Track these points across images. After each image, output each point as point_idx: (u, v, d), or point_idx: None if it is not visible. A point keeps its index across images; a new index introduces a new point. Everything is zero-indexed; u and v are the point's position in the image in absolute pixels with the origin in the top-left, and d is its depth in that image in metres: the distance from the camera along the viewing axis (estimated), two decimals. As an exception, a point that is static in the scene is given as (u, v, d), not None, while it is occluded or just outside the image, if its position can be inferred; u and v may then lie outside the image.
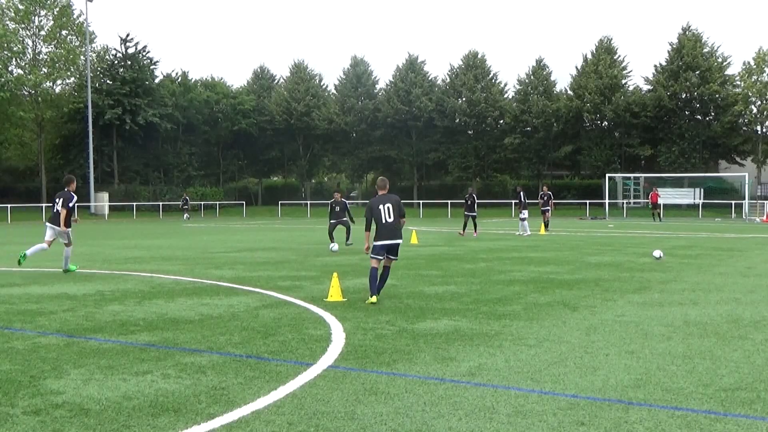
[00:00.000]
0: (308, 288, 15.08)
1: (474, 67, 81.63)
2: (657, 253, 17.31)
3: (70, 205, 18.29)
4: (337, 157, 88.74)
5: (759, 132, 72.87)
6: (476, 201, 35.67)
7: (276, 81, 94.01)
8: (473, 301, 13.28)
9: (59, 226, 18.17)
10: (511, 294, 14.22)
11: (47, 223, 18.48)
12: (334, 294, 13.30)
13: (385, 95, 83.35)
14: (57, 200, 18.38)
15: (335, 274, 13.81)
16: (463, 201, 38.94)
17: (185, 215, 64.56)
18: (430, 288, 15.12)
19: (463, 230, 35.47)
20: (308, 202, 79.93)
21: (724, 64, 74.17)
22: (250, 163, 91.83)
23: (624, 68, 77.90)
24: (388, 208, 13.01)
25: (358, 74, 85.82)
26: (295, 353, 8.84)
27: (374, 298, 12.84)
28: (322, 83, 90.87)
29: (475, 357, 8.66)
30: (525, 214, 35.62)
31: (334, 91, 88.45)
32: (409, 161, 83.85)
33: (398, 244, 13.14)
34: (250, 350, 9.01)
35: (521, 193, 37.08)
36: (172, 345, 9.35)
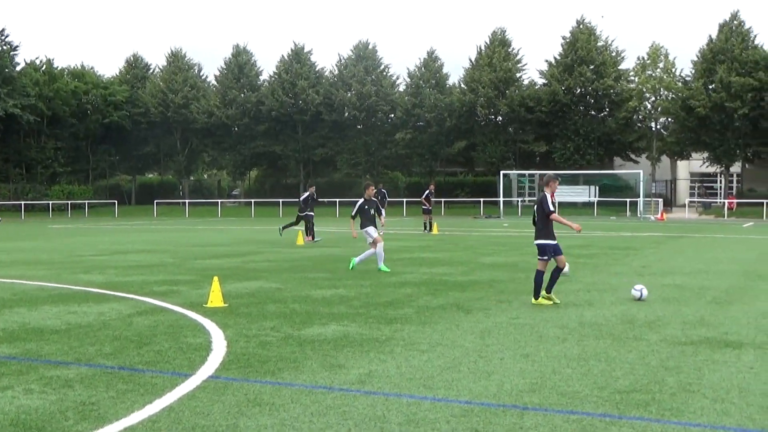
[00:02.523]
0: (186, 293, 14.85)
1: (364, 59, 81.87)
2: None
3: None
4: (218, 152, 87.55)
5: (653, 128, 75.42)
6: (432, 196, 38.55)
7: (151, 70, 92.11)
8: (363, 304, 13.32)
9: None
10: (403, 297, 14.32)
11: None
12: (215, 299, 13.15)
13: (270, 87, 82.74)
14: None
15: (216, 278, 13.65)
16: (422, 197, 39.73)
17: None
18: (317, 291, 15.10)
19: (427, 228, 37.54)
20: (186, 201, 78.70)
21: (619, 58, 76.50)
22: (122, 158, 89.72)
23: (518, 61, 79.37)
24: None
25: (240, 64, 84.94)
26: (172, 363, 8.70)
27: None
28: (201, 73, 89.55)
29: (365, 364, 8.69)
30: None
31: (215, 82, 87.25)
32: (295, 157, 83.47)
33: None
34: (123, 361, 8.82)
35: (428, 191, 38.50)
36: (35, 357, 9.06)
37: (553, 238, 13.35)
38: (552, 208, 13.28)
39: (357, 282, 16.69)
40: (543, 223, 13.32)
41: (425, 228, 38.37)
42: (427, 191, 39.02)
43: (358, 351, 9.38)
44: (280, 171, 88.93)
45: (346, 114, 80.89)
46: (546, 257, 13.30)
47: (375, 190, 20.65)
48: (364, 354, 9.21)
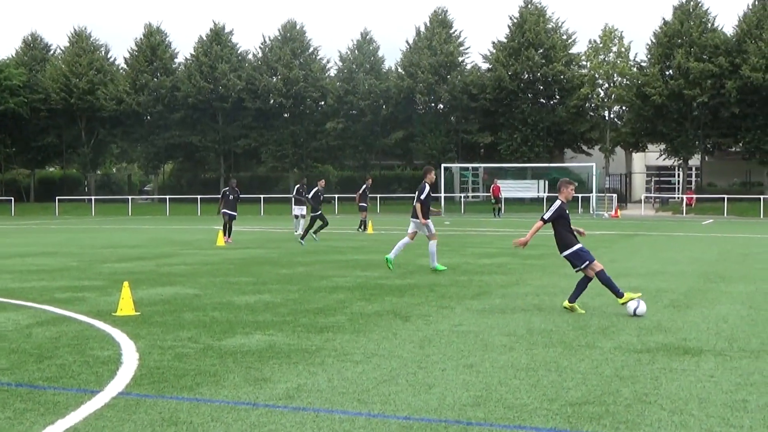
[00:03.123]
0: (93, 300, 14.66)
1: (291, 40, 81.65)
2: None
3: None
4: (128, 143, 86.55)
5: (606, 118, 76.47)
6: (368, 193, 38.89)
7: (52, 52, 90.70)
8: (290, 312, 13.29)
9: None
10: (335, 303, 14.32)
11: None
12: (125, 307, 13.00)
13: (186, 71, 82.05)
14: None
15: (126, 284, 13.49)
16: (357, 193, 39.82)
17: None
18: (240, 298, 15.02)
19: (362, 227, 37.75)
20: (92, 197, 77.66)
21: (569, 41, 77.40)
22: (19, 150, 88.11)
23: (461, 44, 79.86)
24: None
25: (152, 45, 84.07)
26: (77, 379, 8.57)
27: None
28: (109, 56, 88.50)
29: (293, 377, 8.67)
30: (301, 210, 35.73)
31: (124, 66, 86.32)
32: (214, 149, 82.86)
33: None
34: (21, 377, 8.67)
35: (365, 186, 38.73)
36: None
37: (572, 244, 13.55)
38: (548, 215, 13.46)
39: (284, 287, 16.64)
40: (555, 233, 13.65)
41: (360, 227, 38.41)
42: (364, 186, 39.09)
43: (285, 363, 9.35)
44: (197, 164, 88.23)
45: (272, 101, 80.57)
46: (578, 266, 13.44)
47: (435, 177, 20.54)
48: (292, 366, 9.19)
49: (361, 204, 38.98)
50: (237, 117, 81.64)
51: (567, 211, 13.63)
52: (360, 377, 8.65)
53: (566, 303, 13.34)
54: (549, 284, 17.10)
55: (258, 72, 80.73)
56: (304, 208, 35.72)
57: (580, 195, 65.97)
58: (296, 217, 35.74)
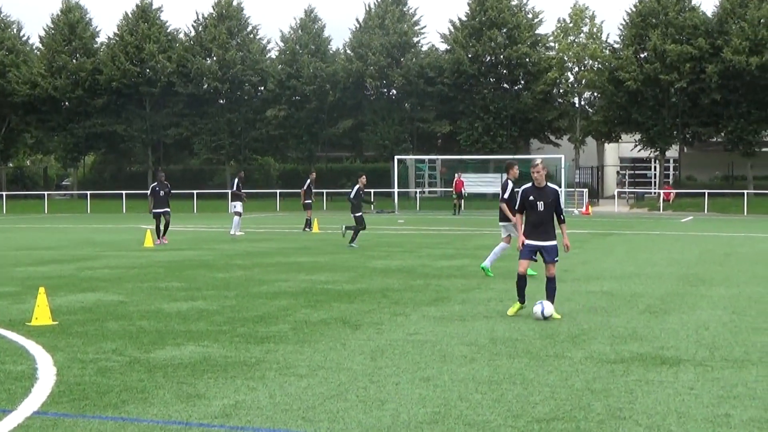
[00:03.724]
0: (4, 309, 14.52)
1: (228, 18, 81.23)
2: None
3: None
4: (44, 133, 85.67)
5: (576, 105, 76.91)
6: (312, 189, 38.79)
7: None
8: (227, 320, 13.25)
9: None
10: (276, 310, 14.29)
11: None
12: (41, 316, 12.88)
13: (109, 52, 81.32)
14: None
15: (42, 290, 13.36)
16: (302, 188, 39.66)
17: None
18: (170, 305, 14.94)
19: (307, 226, 37.72)
20: (3, 193, 76.72)
21: (536, 21, 77.61)
22: None
23: (416, 23, 79.90)
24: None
25: (71, 23, 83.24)
26: (-14, 397, 8.49)
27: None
28: (22, 34, 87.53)
29: (231, 393, 8.64)
30: (238, 207, 35.64)
31: (39, 45, 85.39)
32: (141, 139, 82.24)
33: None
34: (-77, 395, 8.57)
35: (309, 181, 38.60)
36: None
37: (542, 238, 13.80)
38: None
39: (219, 293, 16.58)
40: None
41: (306, 226, 38.33)
42: (308, 181, 38.95)
43: (221, 377, 9.32)
44: (122, 156, 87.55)
45: (206, 86, 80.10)
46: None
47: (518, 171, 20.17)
48: (229, 381, 9.16)
49: (305, 201, 38.82)
50: (167, 103, 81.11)
51: (531, 198, 13.76)
52: (305, 393, 8.64)
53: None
54: (514, 288, 17.14)
55: (190, 53, 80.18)
56: (241, 203, 35.59)
57: (547, 190, 66.45)
58: (234, 214, 35.59)
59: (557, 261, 13.71)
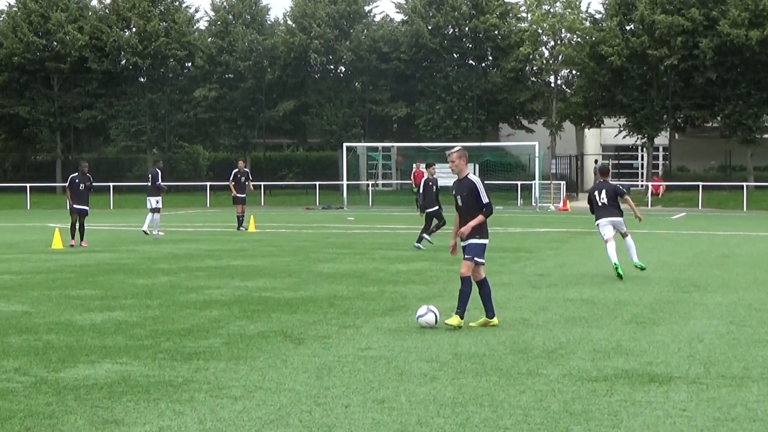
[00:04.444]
0: None
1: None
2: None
3: None
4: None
5: (552, 85, 77.19)
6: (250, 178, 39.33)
7: None
8: (150, 334, 13.19)
9: None
10: (207, 322, 14.25)
11: None
12: (-69, 330, 12.77)
13: (9, 22, 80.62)
14: None
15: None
16: (229, 180, 39.49)
17: None
18: (83, 316, 14.85)
19: (241, 224, 37.61)
20: None
21: (506, -13, 78.10)
22: None
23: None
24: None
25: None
26: None
27: None
28: None
29: (154, 418, 8.62)
30: (156, 202, 35.13)
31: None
32: (48, 123, 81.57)
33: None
34: None
35: (235, 171, 38.45)
36: None
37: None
38: (486, 199, 13.78)
39: (141, 302, 16.50)
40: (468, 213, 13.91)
41: (238, 225, 38.12)
42: (234, 171, 38.70)
43: (143, 400, 9.28)
44: (26, 143, 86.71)
45: (123, 62, 79.67)
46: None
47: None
48: (152, 404, 9.12)
49: (237, 195, 38.35)
50: (78, 82, 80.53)
51: (453, 192, 14.14)
52: (240, 417, 8.63)
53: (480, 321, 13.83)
54: (479, 297, 17.22)
55: (105, 24, 79.63)
56: (160, 198, 35.20)
57: (519, 182, 66.67)
58: (152, 211, 35.05)
59: (478, 262, 13.81)
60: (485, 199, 13.64)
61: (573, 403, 9.11)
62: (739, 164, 73.33)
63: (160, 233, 34.66)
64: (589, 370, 10.68)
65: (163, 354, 11.67)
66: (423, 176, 59.02)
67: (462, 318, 13.51)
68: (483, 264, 13.92)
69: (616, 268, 20.10)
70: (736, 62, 67.16)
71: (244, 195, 38.52)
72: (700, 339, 12.70)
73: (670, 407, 8.97)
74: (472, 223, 13.67)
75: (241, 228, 37.75)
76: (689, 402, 9.19)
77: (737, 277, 20.57)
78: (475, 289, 13.77)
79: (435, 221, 29.24)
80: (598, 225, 21.42)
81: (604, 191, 21.33)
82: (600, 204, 21.08)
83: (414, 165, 61.45)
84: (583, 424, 8.35)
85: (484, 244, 13.86)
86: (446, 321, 13.44)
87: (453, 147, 14.43)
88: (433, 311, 13.54)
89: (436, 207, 29.05)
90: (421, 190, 29.91)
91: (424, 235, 28.28)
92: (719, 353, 11.69)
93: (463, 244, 13.86)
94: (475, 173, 18.78)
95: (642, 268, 20.80)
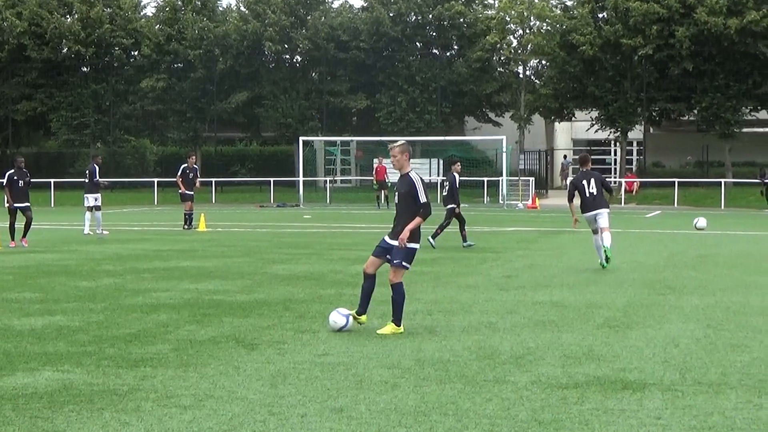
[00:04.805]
0: None
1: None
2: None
3: None
4: None
5: (520, 76, 77.36)
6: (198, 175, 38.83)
7: None
8: (93, 339, 13.14)
9: None
10: (154, 327, 14.21)
11: None
12: None
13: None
14: None
15: None
16: (177, 176, 39.14)
17: None
18: (21, 321, 14.78)
19: (189, 222, 37.42)
20: None
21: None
22: None
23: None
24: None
25: None
26: None
27: None
28: None
29: (98, 428, 8.59)
30: (94, 200, 34.91)
31: None
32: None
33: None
34: None
35: (184, 167, 38.24)
36: None
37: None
38: (424, 199, 13.64)
39: (83, 305, 16.43)
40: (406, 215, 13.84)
41: (186, 223, 37.90)
42: (183, 167, 38.48)
43: (86, 409, 9.24)
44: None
45: (65, 50, 79.31)
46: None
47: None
48: (96, 414, 9.09)
49: (185, 192, 38.07)
50: (16, 71, 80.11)
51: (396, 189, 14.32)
52: (189, 427, 8.62)
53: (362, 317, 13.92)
54: (444, 298, 17.26)
55: (45, 9, 79.24)
56: (99, 195, 34.95)
57: (485, 178, 66.74)
58: (89, 209, 34.81)
59: (403, 266, 13.73)
60: (423, 199, 13.55)
61: (542, 412, 9.15)
62: (717, 160, 73.79)
63: (104, 232, 34.52)
64: (559, 376, 10.72)
65: (107, 361, 11.62)
66: (385, 172, 59.47)
67: (399, 325, 13.56)
68: (407, 269, 13.87)
69: (606, 251, 20.61)
70: (714, 52, 67.42)
71: (193, 192, 38.29)
72: (675, 344, 12.77)
73: (644, 415, 9.01)
74: (410, 226, 13.58)
75: (189, 227, 37.57)
76: (664, 410, 9.24)
77: (715, 279, 20.71)
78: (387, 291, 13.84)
79: (444, 222, 29.08)
80: (585, 216, 21.69)
81: (593, 180, 21.63)
82: (588, 194, 21.37)
83: (375, 160, 61.54)
84: (553, 434, 8.39)
85: (415, 249, 13.81)
86: (378, 330, 13.44)
87: (397, 141, 14.46)
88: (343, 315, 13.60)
89: (453, 205, 28.93)
90: (456, 186, 29.58)
91: (429, 239, 28.03)
92: (695, 358, 11.76)
93: (390, 243, 13.81)
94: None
95: (608, 258, 21.56)
